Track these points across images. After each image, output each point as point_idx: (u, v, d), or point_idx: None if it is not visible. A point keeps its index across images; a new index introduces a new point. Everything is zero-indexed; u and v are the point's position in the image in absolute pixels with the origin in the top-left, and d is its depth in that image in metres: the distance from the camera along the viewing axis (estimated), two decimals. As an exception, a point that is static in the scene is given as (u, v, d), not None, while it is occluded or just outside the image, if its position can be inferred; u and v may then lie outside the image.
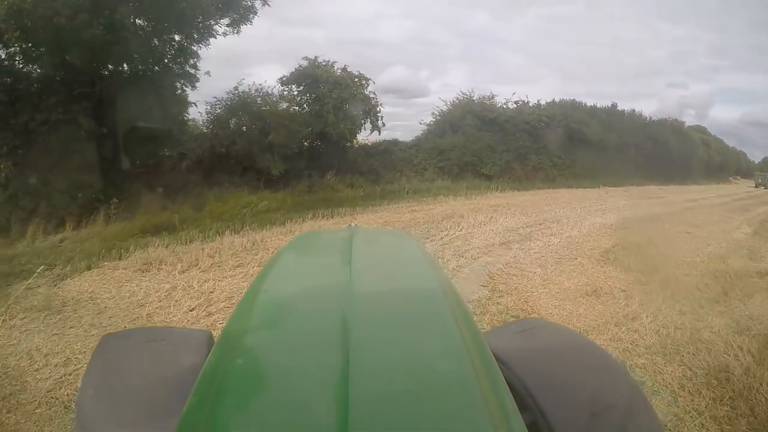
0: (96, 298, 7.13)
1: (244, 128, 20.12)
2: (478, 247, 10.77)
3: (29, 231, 12.60)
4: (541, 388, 1.89)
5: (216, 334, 2.42)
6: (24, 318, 6.31)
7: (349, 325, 1.48)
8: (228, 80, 23.87)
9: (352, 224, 3.10)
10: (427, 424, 1.15)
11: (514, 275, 8.83)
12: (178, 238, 11.47)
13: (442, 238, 11.64)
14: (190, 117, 20.40)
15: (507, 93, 31.99)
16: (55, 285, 7.83)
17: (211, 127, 20.66)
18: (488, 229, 13.16)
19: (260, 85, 21.09)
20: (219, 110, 20.34)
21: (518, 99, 31.44)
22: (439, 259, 9.20)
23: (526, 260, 9.92)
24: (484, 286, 8.06)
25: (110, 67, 16.64)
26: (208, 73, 19.37)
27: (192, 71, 19.07)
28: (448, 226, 13.12)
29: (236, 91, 20.53)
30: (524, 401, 1.85)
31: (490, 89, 29.63)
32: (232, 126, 20.13)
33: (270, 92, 21.35)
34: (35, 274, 8.12)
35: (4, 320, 6.23)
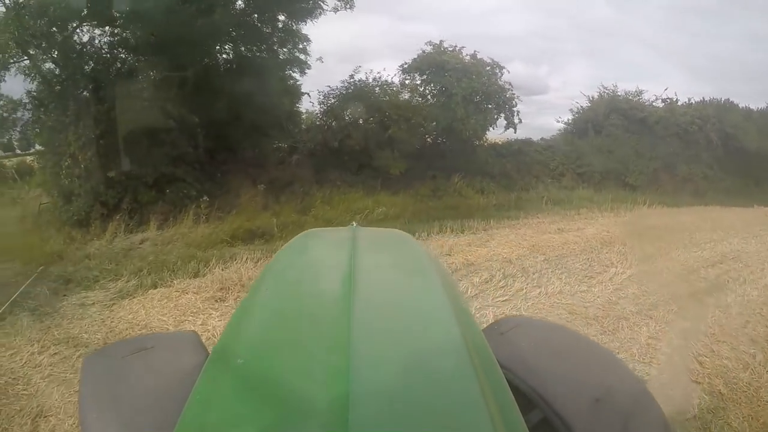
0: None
1: (361, 121, 18.09)
2: (664, 299, 7.82)
3: (110, 228, 11.81)
4: (544, 385, 1.92)
5: (205, 336, 2.74)
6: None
7: (351, 325, 1.41)
8: (340, 76, 20.53)
9: (353, 224, 2.95)
10: (428, 423, 1.14)
11: (726, 358, 5.92)
12: (273, 249, 9.38)
13: (611, 278, 8.89)
14: (301, 107, 18.79)
15: (628, 89, 25.85)
16: (108, 307, 7.05)
17: (324, 118, 18.47)
18: (662, 266, 10.20)
19: (378, 73, 18.61)
20: (333, 100, 18.25)
21: (666, 97, 25.71)
22: (627, 322, 6.87)
23: (732, 328, 6.87)
24: (696, 381, 5.32)
25: (206, 50, 14.91)
26: (320, 59, 17.14)
27: (302, 57, 16.90)
28: (613, 260, 10.18)
29: (352, 80, 18.30)
30: (529, 400, 1.90)
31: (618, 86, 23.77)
32: (346, 118, 18.07)
33: (389, 81, 18.78)
34: (91, 284, 7.87)
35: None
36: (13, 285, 8.11)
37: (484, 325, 2.69)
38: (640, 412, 1.90)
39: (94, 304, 7.11)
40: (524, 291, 7.81)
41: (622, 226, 14.62)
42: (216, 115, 14.23)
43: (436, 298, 1.79)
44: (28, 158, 20.92)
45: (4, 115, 14.60)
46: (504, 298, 7.45)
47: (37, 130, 14.13)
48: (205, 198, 12.99)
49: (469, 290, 7.70)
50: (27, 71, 13.43)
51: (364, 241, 2.47)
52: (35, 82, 13.34)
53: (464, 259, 9.66)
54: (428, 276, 2.06)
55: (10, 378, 5.12)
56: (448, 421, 1.14)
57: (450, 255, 9.96)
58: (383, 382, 1.23)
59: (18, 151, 22.58)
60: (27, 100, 13.79)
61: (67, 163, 12.56)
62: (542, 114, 57.55)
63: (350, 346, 1.30)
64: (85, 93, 13.05)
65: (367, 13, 38.38)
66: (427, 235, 12.03)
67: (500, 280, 8.29)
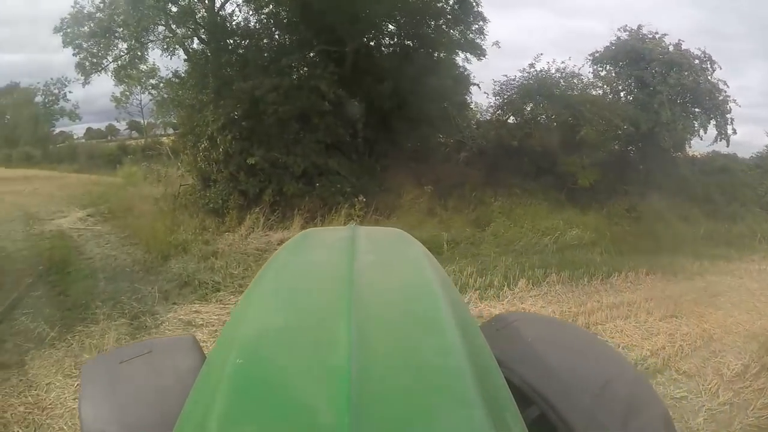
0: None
1: (542, 117, 14.95)
2: None
3: (247, 221, 10.53)
4: (542, 380, 1.92)
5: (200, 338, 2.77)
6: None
7: (350, 325, 1.39)
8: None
9: (353, 224, 2.96)
10: (427, 422, 1.13)
11: None
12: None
13: None
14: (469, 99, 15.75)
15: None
16: (214, 336, 5.87)
17: (499, 112, 15.48)
18: None
19: (563, 62, 15.20)
20: (509, 92, 15.29)
21: None
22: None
23: None
24: None
25: (368, 23, 12.86)
26: (497, 43, 14.24)
27: (478, 40, 13.97)
28: None
29: (531, 70, 15.13)
30: (527, 396, 1.89)
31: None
32: (526, 114, 15.02)
33: (575, 72, 15.38)
34: (209, 293, 7.09)
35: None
36: (125, 278, 7.85)
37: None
38: (640, 407, 1.88)
39: (202, 326, 6.19)
40: None
41: None
42: (376, 100, 12.08)
43: (434, 298, 1.73)
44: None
45: (165, 95, 14.07)
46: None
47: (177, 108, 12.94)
48: (361, 198, 10.76)
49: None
50: (166, 46, 12.66)
51: (364, 240, 2.42)
52: (173, 58, 12.70)
53: (700, 329, 6.93)
54: (427, 275, 2.00)
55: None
56: (446, 420, 1.13)
57: (677, 316, 7.34)
58: (382, 381, 1.21)
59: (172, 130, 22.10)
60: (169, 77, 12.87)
61: (204, 145, 11.08)
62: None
63: (349, 346, 1.26)
64: (227, 70, 11.58)
65: (526, 8, 35.00)
66: (635, 275, 9.21)
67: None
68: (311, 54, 11.81)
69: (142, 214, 11.62)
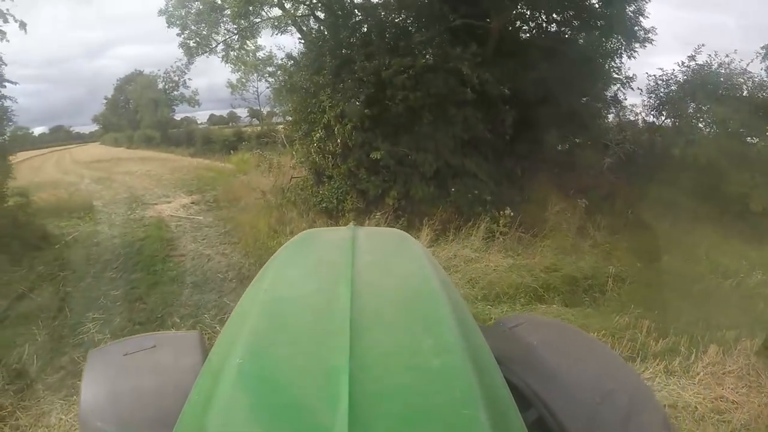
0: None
1: (706, 122, 12.06)
2: None
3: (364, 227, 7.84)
4: (543, 383, 1.89)
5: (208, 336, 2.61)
6: None
7: (350, 325, 1.37)
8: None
9: (352, 223, 2.96)
10: (426, 422, 1.12)
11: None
12: (598, 325, 5.81)
13: None
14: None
15: None
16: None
17: (653, 113, 12.57)
18: None
19: (727, 57, 11.91)
20: (666, 90, 12.33)
21: None
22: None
23: None
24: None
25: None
26: (653, 30, 11.32)
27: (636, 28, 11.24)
28: None
29: (691, 64, 12.12)
30: (526, 397, 1.86)
31: None
32: (687, 117, 12.07)
33: (743, 69, 11.90)
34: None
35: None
36: (214, 287, 7.06)
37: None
38: (640, 415, 1.84)
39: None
40: None
41: None
42: (519, 90, 9.64)
43: (434, 298, 1.71)
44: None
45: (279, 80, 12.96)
46: None
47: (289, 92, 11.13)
48: (507, 211, 8.48)
49: None
50: (278, 23, 11.74)
51: (364, 240, 2.37)
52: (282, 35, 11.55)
53: None
54: (427, 275, 1.97)
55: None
56: (446, 419, 1.12)
57: None
58: (382, 381, 1.20)
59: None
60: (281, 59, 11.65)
61: (319, 135, 9.33)
62: None
63: (349, 346, 1.25)
64: (346, 49, 9.70)
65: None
66: None
67: None
68: (451, 29, 9.56)
69: (247, 207, 10.59)
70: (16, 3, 8.34)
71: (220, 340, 1.66)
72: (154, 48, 28.19)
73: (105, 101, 25.17)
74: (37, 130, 23.67)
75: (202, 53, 13.74)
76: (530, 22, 10.92)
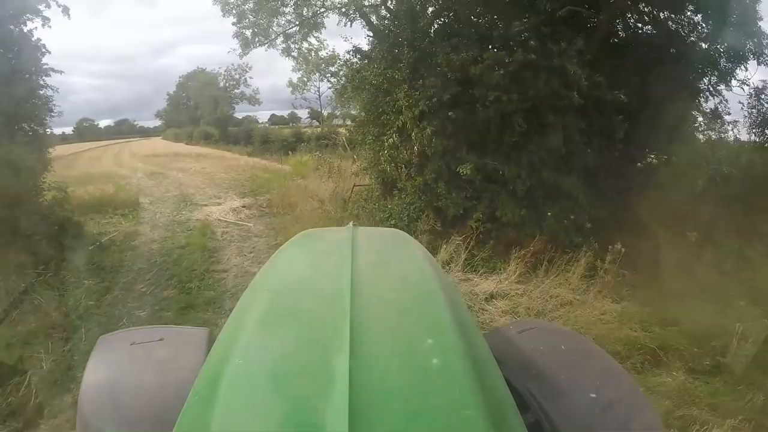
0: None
1: None
2: None
3: (441, 252, 7.00)
4: (542, 389, 1.87)
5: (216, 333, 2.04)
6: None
7: (350, 325, 1.34)
8: None
9: (352, 223, 2.78)
10: (426, 423, 1.09)
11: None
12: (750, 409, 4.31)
13: None
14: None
15: None
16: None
17: (755, 130, 10.25)
18: None
19: None
20: None
21: None
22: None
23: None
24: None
25: None
26: None
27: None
28: None
29: None
30: (526, 401, 1.83)
31: None
32: None
33: None
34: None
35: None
36: None
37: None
38: (635, 422, 1.83)
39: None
40: None
41: None
42: (629, 98, 7.52)
43: (434, 298, 1.67)
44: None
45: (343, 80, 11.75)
46: None
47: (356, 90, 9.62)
48: (618, 247, 6.47)
49: None
50: (345, 10, 10.40)
51: (363, 241, 2.32)
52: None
53: None
54: (427, 276, 1.94)
55: None
56: (446, 420, 1.10)
57: None
58: (382, 382, 1.17)
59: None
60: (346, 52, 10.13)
61: (392, 140, 7.77)
62: None
63: (349, 346, 1.22)
64: (426, 40, 8.14)
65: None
66: None
67: None
68: (550, 20, 7.73)
69: (303, 216, 9.30)
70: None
71: (220, 339, 1.58)
72: (217, 48, 28.40)
73: (167, 97, 25.88)
74: (103, 123, 25.38)
75: (260, 45, 12.60)
76: (645, 17, 9.01)
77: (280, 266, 2.22)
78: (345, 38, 10.46)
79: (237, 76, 24.16)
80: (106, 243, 8.48)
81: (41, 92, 8.81)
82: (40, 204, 8.16)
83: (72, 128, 24.27)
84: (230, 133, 24.06)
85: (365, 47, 9.70)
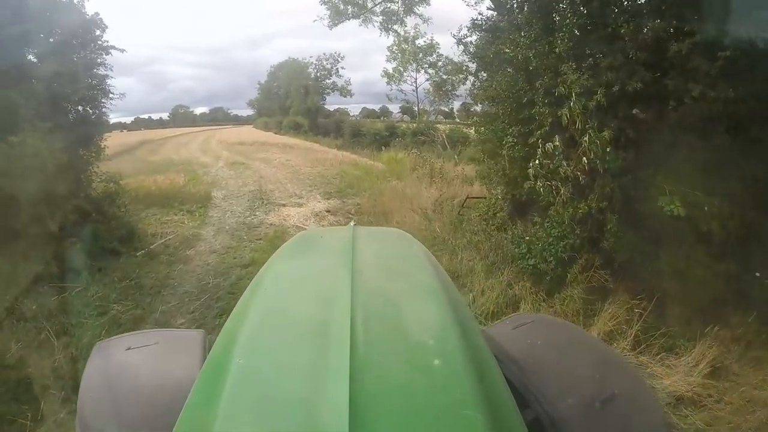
0: None
1: None
2: None
3: (602, 315, 4.69)
4: (542, 384, 1.78)
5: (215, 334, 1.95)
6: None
7: (350, 324, 1.32)
8: None
9: (352, 223, 2.70)
10: (426, 421, 1.08)
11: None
12: None
13: None
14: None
15: None
16: None
17: None
18: None
19: None
20: None
21: None
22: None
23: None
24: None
25: None
26: None
27: None
28: None
29: None
30: (525, 397, 1.76)
31: None
32: None
33: None
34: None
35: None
36: None
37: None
38: (639, 415, 1.74)
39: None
40: None
41: None
42: None
43: (434, 297, 1.63)
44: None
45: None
46: None
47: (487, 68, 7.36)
48: None
49: None
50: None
51: (363, 240, 2.26)
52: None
53: None
54: (427, 275, 1.87)
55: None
56: (446, 419, 1.08)
57: None
58: (382, 381, 1.15)
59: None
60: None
61: (550, 146, 5.25)
62: None
63: (349, 346, 1.20)
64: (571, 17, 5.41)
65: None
66: None
67: None
68: None
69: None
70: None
71: (220, 339, 1.54)
72: (311, 42, 28.37)
73: (258, 86, 25.10)
74: (198, 110, 25.40)
75: (353, 17, 11.17)
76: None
77: (280, 266, 2.15)
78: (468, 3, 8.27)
79: (329, 66, 22.43)
80: (158, 249, 6.87)
81: (97, 71, 7.49)
82: (84, 199, 6.67)
83: (167, 114, 24.37)
84: (320, 124, 22.40)
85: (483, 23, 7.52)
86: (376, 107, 23.70)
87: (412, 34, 18.00)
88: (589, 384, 1.79)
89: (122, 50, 7.77)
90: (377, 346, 1.29)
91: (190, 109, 25.36)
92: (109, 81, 7.86)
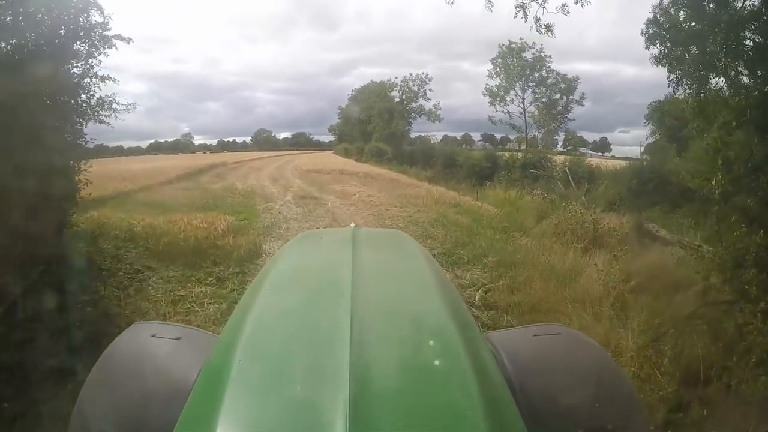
0: None
1: None
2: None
3: None
4: (540, 399, 1.59)
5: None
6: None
7: (350, 325, 1.25)
8: None
9: (352, 224, 2.62)
10: (426, 422, 1.01)
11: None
12: None
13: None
14: None
15: None
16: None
17: None
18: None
19: None
20: None
21: None
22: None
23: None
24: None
25: None
26: None
27: None
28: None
29: None
30: (528, 402, 1.56)
31: None
32: None
33: None
34: None
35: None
36: None
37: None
38: None
39: None
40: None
41: None
42: None
43: (434, 298, 1.55)
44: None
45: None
46: None
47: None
48: None
49: None
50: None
51: (364, 241, 2.16)
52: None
53: None
54: (427, 276, 1.81)
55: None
56: (446, 420, 1.01)
57: None
58: (382, 382, 1.09)
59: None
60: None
61: None
62: None
63: (349, 346, 1.13)
64: None
65: None
66: None
67: None
68: None
69: None
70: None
71: (220, 340, 1.48)
72: (393, 71, 26.42)
73: (338, 111, 23.71)
74: (281, 135, 25.31)
75: None
76: None
77: (281, 266, 2.08)
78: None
79: (415, 88, 19.92)
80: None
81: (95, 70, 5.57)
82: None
83: (249, 138, 24.09)
84: (405, 151, 19.46)
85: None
86: (458, 135, 21.61)
87: (518, 44, 14.84)
88: (582, 411, 1.53)
89: (129, 40, 5.79)
90: (377, 346, 1.20)
91: (273, 134, 25.20)
92: (108, 84, 5.59)
